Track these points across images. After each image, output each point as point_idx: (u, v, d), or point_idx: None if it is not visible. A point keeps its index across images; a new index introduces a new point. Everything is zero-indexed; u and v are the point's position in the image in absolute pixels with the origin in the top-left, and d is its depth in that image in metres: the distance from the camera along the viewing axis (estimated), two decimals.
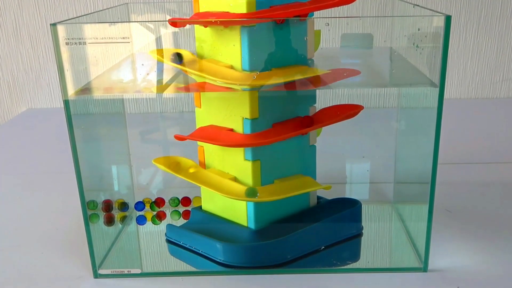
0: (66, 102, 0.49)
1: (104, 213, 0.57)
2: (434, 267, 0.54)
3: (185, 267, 0.56)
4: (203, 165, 0.57)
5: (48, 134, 1.00)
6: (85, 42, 0.49)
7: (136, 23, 0.53)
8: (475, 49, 1.10)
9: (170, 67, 0.52)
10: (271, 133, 0.52)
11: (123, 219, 0.62)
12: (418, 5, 0.55)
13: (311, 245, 0.56)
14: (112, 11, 0.60)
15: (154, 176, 0.68)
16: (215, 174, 0.55)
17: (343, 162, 0.69)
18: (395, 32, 0.57)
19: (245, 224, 0.55)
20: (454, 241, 0.59)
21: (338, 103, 0.56)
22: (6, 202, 0.73)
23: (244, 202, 0.54)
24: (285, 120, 0.54)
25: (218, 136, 0.53)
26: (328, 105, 0.56)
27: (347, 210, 0.58)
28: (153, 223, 0.61)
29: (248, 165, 0.53)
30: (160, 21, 0.59)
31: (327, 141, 0.59)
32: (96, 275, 0.54)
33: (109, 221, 0.58)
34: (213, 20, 0.48)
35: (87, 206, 0.53)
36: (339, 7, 0.52)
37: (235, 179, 0.54)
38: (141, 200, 0.61)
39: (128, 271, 0.54)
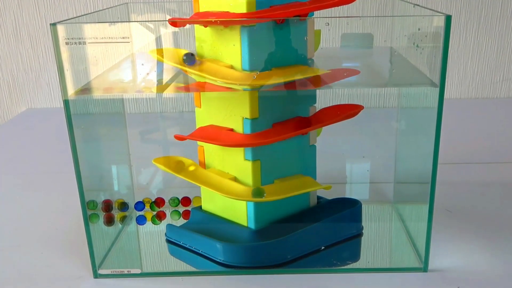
0: (66, 102, 0.49)
1: (104, 213, 0.57)
2: (434, 267, 0.54)
3: (185, 267, 0.56)
4: (203, 165, 0.57)
5: (48, 134, 1.00)
6: (85, 42, 0.49)
7: (136, 23, 0.53)
8: (475, 49, 1.10)
9: (170, 67, 0.52)
10: (271, 133, 0.52)
11: (123, 219, 0.62)
12: (418, 5, 0.55)
13: (311, 245, 0.56)
14: (112, 11, 0.60)
15: (154, 176, 0.68)
16: (215, 174, 0.55)
17: (343, 162, 0.69)
18: (395, 32, 0.57)
19: (245, 224, 0.55)
20: (454, 241, 0.59)
21: (338, 103, 0.56)
22: (6, 202, 0.73)
23: (244, 202, 0.54)
24: (285, 120, 0.54)
25: (218, 136, 0.53)
26: (328, 105, 0.56)
27: (347, 210, 0.58)
28: (153, 223, 0.61)
29: (248, 165, 0.53)
30: (160, 21, 0.59)
31: (327, 141, 0.59)
32: (96, 275, 0.54)
33: (109, 221, 0.58)
34: (213, 20, 0.48)
35: (87, 206, 0.53)
36: (339, 7, 0.52)
37: (235, 179, 0.54)
38: (141, 200, 0.61)
39: (128, 271, 0.54)
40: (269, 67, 0.50)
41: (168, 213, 0.62)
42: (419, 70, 0.53)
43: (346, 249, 0.57)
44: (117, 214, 0.60)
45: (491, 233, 0.60)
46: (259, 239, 0.54)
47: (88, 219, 0.53)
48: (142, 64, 0.54)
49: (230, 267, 0.53)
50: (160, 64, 0.52)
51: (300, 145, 0.56)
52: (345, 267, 0.54)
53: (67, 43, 0.48)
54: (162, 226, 0.60)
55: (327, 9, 0.51)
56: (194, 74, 0.51)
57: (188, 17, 0.55)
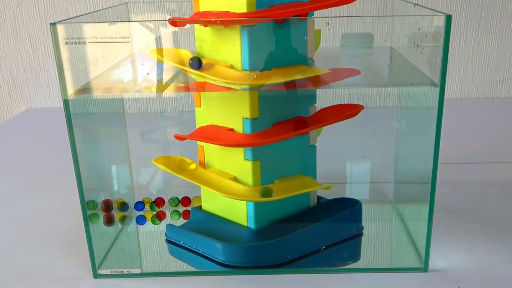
0: (66, 102, 0.49)
1: (104, 213, 0.57)
2: (434, 267, 0.54)
3: (185, 267, 0.56)
4: (203, 165, 0.57)
5: (47, 134, 1.00)
6: (84, 42, 0.49)
7: (136, 22, 0.53)
8: (475, 48, 1.10)
9: (170, 66, 0.52)
10: (271, 133, 0.52)
11: (123, 219, 0.62)
12: (418, 5, 0.55)
13: (311, 245, 0.56)
14: (112, 10, 0.60)
15: (154, 176, 0.68)
16: (215, 174, 0.55)
17: (343, 162, 0.69)
18: (396, 32, 0.57)
19: (245, 224, 0.55)
20: (455, 241, 0.58)
21: (338, 103, 0.56)
22: (6, 202, 0.73)
23: (244, 202, 0.54)
24: (285, 120, 0.54)
25: (218, 136, 0.53)
26: (328, 105, 0.56)
27: (348, 210, 0.58)
28: (153, 223, 0.61)
29: (248, 165, 0.53)
30: (160, 20, 0.59)
31: (327, 141, 0.59)
32: (96, 275, 0.54)
33: (109, 221, 0.58)
34: (213, 19, 0.48)
35: (87, 206, 0.53)
36: (339, 6, 0.51)
37: (235, 179, 0.54)
38: (141, 200, 0.61)
39: (128, 271, 0.54)
40: (269, 67, 0.50)
41: (168, 213, 0.62)
42: (419, 70, 0.53)
43: (346, 249, 0.57)
44: (117, 214, 0.60)
45: (491, 233, 0.60)
46: (259, 239, 0.54)
47: (88, 219, 0.53)
48: (142, 64, 0.54)
49: (230, 267, 0.53)
50: (160, 64, 0.52)
51: (300, 145, 0.56)
52: (345, 267, 0.54)
53: (67, 43, 0.48)
54: (162, 226, 0.60)
55: (327, 8, 0.51)
56: (194, 74, 0.51)
57: (188, 17, 0.55)
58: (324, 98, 0.57)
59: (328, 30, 0.50)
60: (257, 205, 0.54)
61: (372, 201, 0.67)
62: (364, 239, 0.59)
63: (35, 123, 1.09)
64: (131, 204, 0.63)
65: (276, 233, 0.54)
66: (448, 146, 0.60)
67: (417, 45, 0.53)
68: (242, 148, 0.53)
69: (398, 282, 0.52)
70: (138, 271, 0.54)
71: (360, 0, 0.87)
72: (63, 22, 0.48)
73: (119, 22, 0.56)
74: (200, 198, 0.59)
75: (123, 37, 0.49)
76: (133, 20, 0.64)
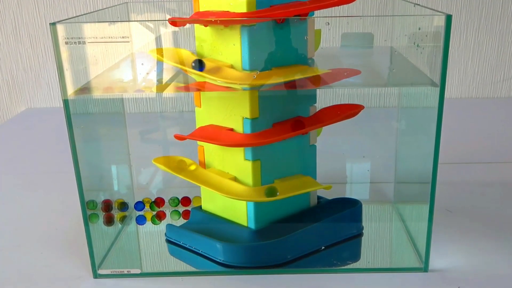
0: (66, 102, 0.49)
1: (104, 213, 0.57)
2: (434, 267, 0.54)
3: (185, 267, 0.56)
4: (203, 164, 0.57)
5: (47, 134, 1.00)
6: (84, 42, 0.49)
7: (135, 22, 0.53)
8: (475, 48, 1.10)
9: (170, 66, 0.52)
10: (271, 133, 0.52)
11: (123, 219, 0.62)
12: (418, 5, 0.55)
13: (311, 245, 0.56)
14: (112, 10, 0.60)
15: (154, 176, 0.68)
16: (215, 174, 0.55)
17: (344, 162, 0.68)
18: (396, 32, 0.57)
19: (245, 224, 0.55)
20: (455, 241, 0.58)
21: (339, 103, 0.56)
22: (5, 202, 0.73)
23: (244, 202, 0.54)
24: (285, 119, 0.54)
25: (218, 135, 0.53)
26: (329, 105, 0.56)
27: (348, 210, 0.58)
28: (153, 223, 0.61)
29: (248, 165, 0.53)
30: (160, 20, 0.59)
31: (328, 141, 0.59)
32: (96, 275, 0.54)
33: (109, 221, 0.58)
34: (213, 19, 0.48)
35: (87, 206, 0.53)
36: (339, 6, 0.51)
37: (235, 179, 0.54)
38: (141, 200, 0.61)
39: (127, 271, 0.54)
40: (269, 67, 0.50)
41: (168, 213, 0.62)
42: (419, 69, 0.53)
43: (346, 249, 0.57)
44: (117, 214, 0.60)
45: (491, 233, 0.60)
46: (259, 239, 0.54)
47: (88, 219, 0.53)
48: (142, 64, 0.54)
49: (230, 267, 0.53)
50: (160, 63, 0.52)
51: (300, 145, 0.56)
52: (345, 267, 0.54)
53: (66, 43, 0.48)
54: (162, 226, 0.60)
55: (327, 8, 0.51)
56: (194, 74, 0.51)
57: (188, 17, 0.55)
58: (324, 98, 0.57)
59: (328, 30, 0.50)
60: (257, 205, 0.54)
61: (372, 201, 0.67)
62: (364, 239, 0.59)
63: (35, 123, 1.09)
64: (131, 204, 0.63)
65: (276, 233, 0.54)
66: (448, 146, 0.60)
67: (417, 45, 0.53)
68: (242, 148, 0.53)
69: (398, 282, 0.52)
70: (138, 271, 0.54)
71: (360, 0, 0.87)
72: (63, 22, 0.48)
73: (119, 22, 0.56)
74: (200, 198, 0.59)
75: (123, 37, 0.49)
76: (133, 20, 0.64)
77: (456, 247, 0.57)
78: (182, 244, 0.57)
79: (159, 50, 0.51)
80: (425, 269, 0.53)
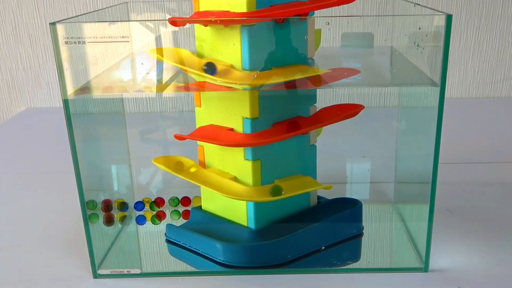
0: (66, 102, 0.49)
1: (104, 213, 0.57)
2: (434, 267, 0.54)
3: (185, 267, 0.56)
4: (203, 164, 0.57)
5: (47, 134, 1.00)
6: (84, 41, 0.49)
7: (135, 22, 0.53)
8: (476, 48, 1.10)
9: (169, 66, 0.52)
10: (271, 133, 0.52)
11: (123, 219, 0.62)
12: (419, 4, 0.55)
13: (312, 245, 0.55)
14: (112, 10, 0.60)
15: (154, 176, 0.68)
16: (215, 174, 0.55)
17: (344, 161, 0.68)
18: (396, 31, 0.57)
19: (245, 224, 0.55)
20: (455, 241, 0.58)
21: (339, 103, 0.56)
22: (5, 202, 0.72)
23: (244, 202, 0.54)
24: (286, 119, 0.54)
25: (218, 135, 0.53)
26: (329, 105, 0.56)
27: (348, 210, 0.58)
28: (152, 223, 0.61)
29: (248, 164, 0.53)
30: (160, 20, 0.59)
31: (328, 140, 0.59)
32: (96, 275, 0.54)
33: (109, 221, 0.58)
34: (213, 19, 0.48)
35: (87, 206, 0.53)
36: (339, 6, 0.51)
37: (235, 179, 0.54)
38: (141, 200, 0.61)
39: (127, 271, 0.54)
40: (269, 67, 0.50)
41: (168, 213, 0.61)
42: (419, 69, 0.53)
43: (346, 249, 0.57)
44: (116, 214, 0.60)
45: (491, 233, 0.60)
46: (259, 239, 0.54)
47: (87, 219, 0.53)
48: (142, 64, 0.54)
49: (230, 267, 0.53)
50: (160, 63, 0.52)
51: (300, 145, 0.56)
52: (346, 267, 0.54)
53: (66, 43, 0.48)
54: (162, 226, 0.60)
55: (327, 8, 0.51)
56: (194, 74, 0.51)
57: (188, 16, 0.55)
58: (324, 97, 0.57)
59: (328, 29, 0.50)
60: (257, 205, 0.54)
61: (372, 201, 0.67)
62: (364, 239, 0.59)
63: (34, 123, 1.09)
64: (131, 204, 0.63)
65: (276, 233, 0.54)
66: (448, 146, 0.60)
67: (418, 45, 0.53)
68: (242, 148, 0.53)
69: (398, 282, 0.52)
70: (138, 271, 0.54)
71: (360, 0, 0.87)
72: (62, 21, 0.48)
73: (119, 22, 0.56)
74: (200, 198, 0.59)
75: (123, 37, 0.49)
76: (133, 19, 0.64)
77: (456, 247, 0.57)
78: (182, 244, 0.57)
79: (159, 50, 0.51)
80: (425, 269, 0.53)
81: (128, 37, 0.49)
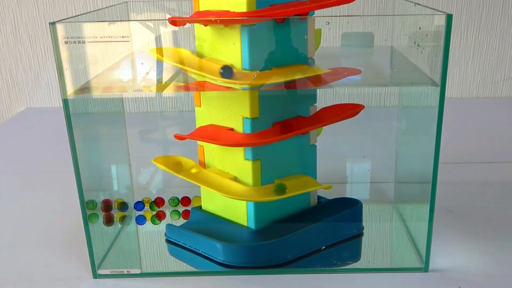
0: (65, 101, 0.49)
1: (104, 213, 0.57)
2: (435, 267, 0.54)
3: (185, 267, 0.55)
4: (203, 164, 0.57)
5: (47, 134, 1.00)
6: (84, 41, 0.48)
7: (135, 22, 0.53)
8: (476, 48, 1.10)
9: (169, 66, 0.52)
10: (271, 133, 0.52)
11: (123, 219, 0.62)
12: (419, 4, 0.55)
13: (312, 245, 0.55)
14: (112, 10, 0.60)
15: (154, 175, 0.68)
16: (215, 174, 0.55)
17: (344, 161, 0.68)
18: (396, 31, 0.57)
19: (245, 224, 0.55)
20: (455, 241, 0.58)
21: (339, 103, 0.56)
22: (5, 202, 0.72)
23: (244, 202, 0.54)
24: (286, 119, 0.54)
25: (218, 135, 0.53)
26: (329, 105, 0.56)
27: (348, 210, 0.58)
28: (152, 223, 0.61)
29: (248, 164, 0.53)
30: (159, 20, 0.59)
31: (328, 140, 0.59)
32: (96, 275, 0.54)
33: (109, 221, 0.58)
34: (213, 19, 0.48)
35: (87, 206, 0.53)
36: (339, 6, 0.51)
37: (235, 179, 0.54)
38: (141, 200, 0.61)
39: (127, 271, 0.54)
40: (269, 66, 0.50)
41: (167, 213, 0.61)
42: (420, 69, 0.53)
43: (346, 249, 0.57)
44: (116, 214, 0.60)
45: (492, 233, 0.60)
46: (259, 239, 0.54)
47: (87, 219, 0.53)
48: (142, 64, 0.54)
49: (230, 267, 0.53)
50: (159, 63, 0.52)
51: (301, 144, 0.56)
52: (346, 267, 0.54)
53: (66, 42, 0.48)
54: (162, 226, 0.60)
55: (328, 8, 0.51)
56: (194, 73, 0.51)
57: (188, 16, 0.55)
58: (325, 97, 0.57)
59: (329, 29, 0.50)
60: (257, 205, 0.54)
61: (373, 201, 0.67)
62: (364, 239, 0.59)
63: (34, 122, 1.09)
64: (131, 204, 0.63)
65: (276, 233, 0.54)
66: (448, 146, 0.60)
67: (418, 45, 0.53)
68: (242, 148, 0.52)
69: (399, 282, 0.52)
70: (137, 271, 0.54)
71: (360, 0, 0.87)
72: (62, 21, 0.48)
73: (119, 22, 0.56)
74: (200, 198, 0.59)
75: (122, 37, 0.49)
76: (133, 19, 0.64)
77: (457, 247, 0.57)
78: (182, 244, 0.57)
79: (159, 50, 0.51)
80: (425, 269, 0.53)
81: (128, 37, 0.49)
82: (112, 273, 0.54)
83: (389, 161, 0.67)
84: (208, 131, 0.54)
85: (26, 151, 0.93)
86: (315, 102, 0.56)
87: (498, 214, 0.65)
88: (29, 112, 1.15)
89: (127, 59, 0.53)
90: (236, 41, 0.48)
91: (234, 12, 0.48)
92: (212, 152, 0.56)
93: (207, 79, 0.50)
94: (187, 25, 0.51)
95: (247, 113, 0.51)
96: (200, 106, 0.55)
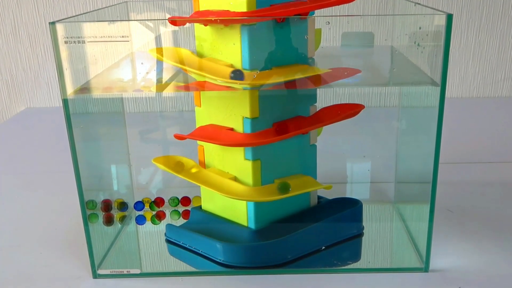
0: (65, 101, 0.49)
1: (103, 213, 0.57)
2: (435, 267, 0.53)
3: (185, 267, 0.55)
4: (203, 164, 0.57)
5: (47, 134, 1.00)
6: (84, 41, 0.48)
7: (135, 21, 0.53)
8: (476, 47, 1.10)
9: (169, 66, 0.52)
10: (272, 133, 0.52)
11: (123, 219, 0.62)
12: (419, 4, 0.55)
13: (312, 245, 0.55)
14: (112, 9, 0.60)
15: (154, 175, 0.68)
16: (215, 174, 0.55)
17: (344, 161, 0.68)
18: (396, 31, 0.57)
19: (245, 224, 0.55)
20: (455, 241, 0.58)
21: (339, 102, 0.56)
22: (5, 202, 0.72)
23: (244, 202, 0.54)
24: (286, 119, 0.54)
25: (218, 135, 0.53)
26: (329, 104, 0.56)
27: (348, 210, 0.58)
28: (152, 223, 0.61)
29: (248, 164, 0.52)
30: (159, 19, 0.58)
31: (328, 140, 0.58)
32: (95, 275, 0.54)
33: (108, 221, 0.58)
34: (213, 18, 0.48)
35: (86, 206, 0.53)
36: (339, 5, 0.51)
37: (235, 179, 0.54)
38: (141, 200, 0.61)
39: (127, 271, 0.54)
40: (269, 66, 0.49)
41: (167, 213, 0.61)
42: (420, 69, 0.53)
43: (346, 249, 0.57)
44: (116, 214, 0.60)
45: (492, 233, 0.60)
46: (259, 239, 0.54)
47: (87, 219, 0.53)
48: (142, 63, 0.54)
49: (230, 267, 0.53)
50: (159, 63, 0.52)
51: (301, 144, 0.56)
52: (346, 267, 0.54)
53: (66, 42, 0.47)
54: (162, 226, 0.60)
55: (328, 7, 0.51)
56: (194, 73, 0.51)
57: (188, 16, 0.55)
58: (325, 97, 0.57)
59: (329, 29, 0.50)
60: (257, 205, 0.54)
61: (373, 201, 0.67)
62: (364, 239, 0.59)
63: (34, 122, 1.09)
64: (131, 204, 0.63)
65: (276, 233, 0.54)
66: (448, 146, 0.60)
67: (418, 44, 0.53)
68: (242, 148, 0.52)
69: (399, 282, 0.52)
70: (137, 271, 0.54)
71: None
72: (62, 21, 0.48)
73: (119, 21, 0.56)
74: (200, 198, 0.59)
75: (122, 36, 0.49)
76: (133, 19, 0.64)
77: (457, 247, 0.57)
78: (182, 244, 0.57)
79: (159, 50, 0.51)
80: (425, 269, 0.53)
81: (128, 36, 0.49)
82: (112, 273, 0.54)
83: (389, 161, 0.67)
84: (208, 131, 0.54)
85: (26, 151, 0.93)
86: (315, 102, 0.56)
87: (498, 214, 0.65)
88: (29, 112, 1.15)
89: (127, 59, 0.53)
90: (236, 41, 0.48)
91: (234, 12, 0.48)
92: (212, 152, 0.56)
93: (207, 79, 0.50)
94: (187, 25, 0.51)
95: (247, 113, 0.51)
96: (200, 106, 0.55)
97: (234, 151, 0.53)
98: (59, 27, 0.47)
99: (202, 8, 0.51)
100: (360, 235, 0.59)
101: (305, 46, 0.52)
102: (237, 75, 0.48)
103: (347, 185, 0.68)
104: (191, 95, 0.57)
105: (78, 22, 0.50)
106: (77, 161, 0.51)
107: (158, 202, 0.61)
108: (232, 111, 0.52)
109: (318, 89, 0.56)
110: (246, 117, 0.51)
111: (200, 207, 0.59)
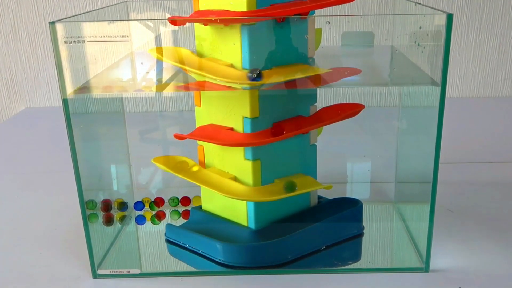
0: (65, 101, 0.49)
1: (103, 213, 0.57)
2: (435, 267, 0.53)
3: (185, 267, 0.55)
4: (203, 164, 0.57)
5: (46, 133, 1.00)
6: (84, 41, 0.48)
7: (135, 21, 0.53)
8: (477, 47, 1.10)
9: (169, 65, 0.52)
10: (272, 132, 0.52)
11: (122, 219, 0.62)
12: (419, 3, 0.55)
13: (312, 245, 0.55)
14: (111, 9, 0.60)
15: (154, 175, 0.68)
16: (215, 174, 0.55)
17: (344, 161, 0.68)
18: (397, 31, 0.57)
19: (245, 224, 0.55)
20: (456, 241, 0.58)
21: (339, 102, 0.56)
22: (4, 201, 0.72)
23: (244, 202, 0.54)
24: (286, 119, 0.54)
25: (218, 135, 0.52)
26: (329, 104, 0.56)
27: (348, 209, 0.58)
28: (152, 223, 0.61)
29: (248, 164, 0.52)
30: (159, 19, 0.58)
31: (328, 140, 0.58)
32: (95, 275, 0.54)
33: (108, 221, 0.58)
34: (213, 18, 0.48)
35: (86, 205, 0.53)
36: (340, 5, 0.51)
37: (235, 179, 0.54)
38: (141, 200, 0.61)
39: (127, 271, 0.54)
40: (269, 66, 0.49)
41: (167, 213, 0.61)
42: (420, 69, 0.52)
43: (347, 249, 0.57)
44: (116, 214, 0.60)
45: (492, 233, 0.60)
46: (259, 239, 0.54)
47: (87, 219, 0.53)
48: (142, 63, 0.54)
49: (230, 267, 0.53)
50: (159, 63, 0.52)
51: (301, 144, 0.56)
52: (346, 267, 0.54)
53: (66, 42, 0.47)
54: (162, 226, 0.60)
55: (328, 7, 0.51)
56: (194, 73, 0.51)
57: (188, 16, 0.54)
58: (325, 97, 0.57)
59: (329, 29, 0.49)
60: (257, 205, 0.54)
61: (373, 201, 0.67)
62: (364, 239, 0.58)
63: (34, 122, 1.09)
64: (131, 204, 0.63)
65: (276, 233, 0.54)
66: (449, 146, 0.60)
67: (418, 44, 0.53)
68: (242, 148, 0.52)
69: (399, 282, 0.52)
70: (137, 271, 0.54)
71: None
72: (62, 21, 0.47)
73: (119, 21, 0.56)
74: (200, 198, 0.59)
75: (122, 36, 0.49)
76: (133, 19, 0.64)
77: (457, 247, 0.57)
78: (182, 244, 0.57)
79: (159, 49, 0.51)
80: (426, 269, 0.53)
81: (127, 36, 0.49)
82: (111, 273, 0.54)
83: (390, 161, 0.67)
84: (208, 130, 0.54)
85: (26, 151, 0.93)
86: (315, 101, 0.56)
87: (498, 214, 0.65)
88: (29, 112, 1.15)
89: (126, 59, 0.53)
90: (236, 41, 0.48)
91: (234, 11, 0.48)
92: (212, 152, 0.56)
93: (207, 79, 0.50)
94: (187, 24, 0.51)
95: (247, 113, 0.51)
96: (200, 106, 0.55)
97: (234, 151, 0.53)
98: (59, 27, 0.47)
99: (202, 8, 0.51)
100: (360, 235, 0.59)
101: (305, 45, 0.52)
102: (253, 75, 0.47)
103: (347, 185, 0.68)
104: (191, 95, 0.57)
105: (78, 21, 0.50)
106: (77, 161, 0.51)
107: (158, 202, 0.61)
108: (232, 111, 0.52)
109: (318, 89, 0.56)
110: (246, 117, 0.51)
111: (200, 207, 0.59)
